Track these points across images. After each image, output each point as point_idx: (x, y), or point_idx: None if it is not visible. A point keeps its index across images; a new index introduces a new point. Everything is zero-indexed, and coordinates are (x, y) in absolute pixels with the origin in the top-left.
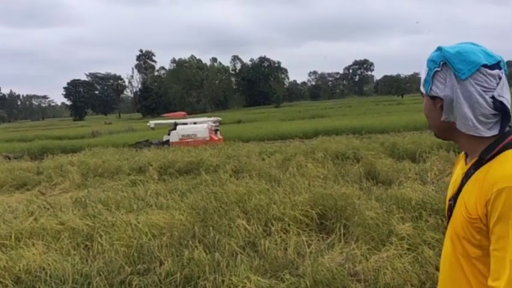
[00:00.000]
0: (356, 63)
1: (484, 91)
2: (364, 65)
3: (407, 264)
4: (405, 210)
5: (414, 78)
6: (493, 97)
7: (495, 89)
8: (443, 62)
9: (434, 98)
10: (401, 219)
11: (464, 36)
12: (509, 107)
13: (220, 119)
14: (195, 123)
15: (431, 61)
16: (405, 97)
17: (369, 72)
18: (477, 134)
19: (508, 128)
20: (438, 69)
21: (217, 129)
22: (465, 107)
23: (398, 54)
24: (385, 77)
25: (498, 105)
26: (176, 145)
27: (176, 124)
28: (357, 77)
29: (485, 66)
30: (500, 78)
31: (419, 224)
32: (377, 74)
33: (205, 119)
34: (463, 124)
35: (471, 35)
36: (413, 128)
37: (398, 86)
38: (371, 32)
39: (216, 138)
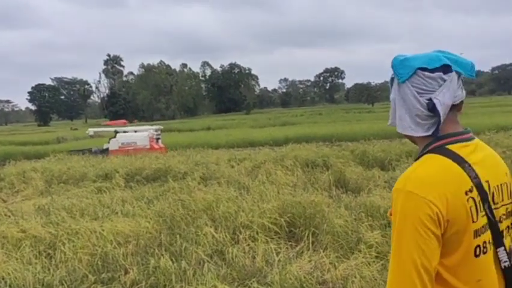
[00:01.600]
0: (326, 70)
1: (418, 93)
2: (335, 72)
3: (376, 272)
4: (374, 218)
5: (384, 87)
6: (430, 99)
7: (434, 91)
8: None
9: None
10: (370, 227)
11: (435, 45)
12: (439, 108)
13: (161, 127)
14: (135, 131)
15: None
16: (376, 105)
17: (340, 80)
18: (413, 134)
19: (463, 130)
20: (393, 76)
21: (159, 138)
22: (402, 109)
23: (369, 63)
24: (356, 85)
25: (430, 107)
26: (116, 153)
27: (116, 132)
28: (328, 84)
29: (423, 69)
30: (444, 80)
31: (388, 232)
32: (348, 82)
33: (147, 127)
34: (401, 125)
35: (442, 44)
36: (383, 136)
37: (368, 94)
38: (342, 40)
39: (156, 146)
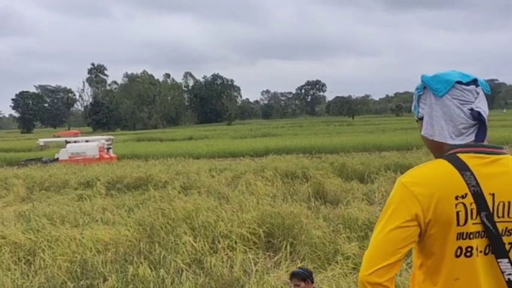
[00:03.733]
0: (308, 83)
1: (461, 104)
2: (316, 85)
3: (352, 283)
4: (351, 229)
5: (364, 100)
6: (471, 109)
7: (473, 102)
8: (424, 86)
9: (422, 119)
10: (347, 238)
11: (415, 60)
12: (485, 116)
13: (113, 137)
14: (86, 141)
15: (416, 89)
16: (356, 118)
17: (321, 93)
18: (451, 142)
19: (485, 144)
20: (421, 93)
21: (110, 148)
22: (442, 120)
23: (350, 76)
24: (337, 98)
25: (476, 115)
26: (66, 163)
27: (67, 142)
28: (310, 97)
29: (459, 82)
30: (478, 93)
31: (365, 244)
32: (329, 95)
33: (98, 137)
34: (441, 134)
35: (422, 59)
36: (363, 149)
37: (349, 107)
38: (324, 53)
39: (106, 156)
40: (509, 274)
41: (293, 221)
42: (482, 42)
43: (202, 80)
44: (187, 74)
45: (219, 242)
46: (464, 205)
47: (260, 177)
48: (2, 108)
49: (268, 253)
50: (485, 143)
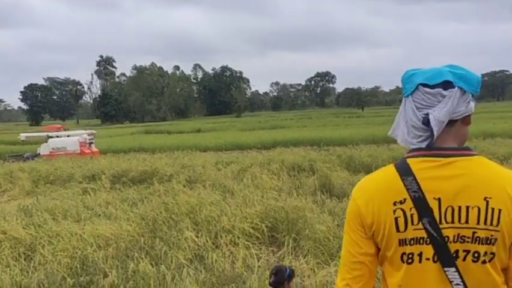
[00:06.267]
0: (318, 75)
1: (417, 107)
2: (326, 77)
3: None
4: None
5: (374, 92)
6: (427, 114)
7: (433, 107)
8: None
9: None
10: None
11: (426, 51)
12: (433, 123)
13: (94, 132)
14: (68, 136)
15: None
16: (366, 110)
17: (331, 85)
18: (408, 146)
19: (445, 146)
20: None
21: (92, 142)
22: (403, 121)
23: (360, 68)
24: (346, 89)
25: (425, 122)
26: (47, 158)
27: (49, 137)
28: (319, 88)
29: (424, 85)
30: (443, 96)
31: None
32: (339, 87)
33: (81, 131)
34: (401, 137)
35: (432, 50)
36: (371, 141)
37: (358, 99)
38: (333, 44)
39: (87, 151)
40: (458, 284)
41: (297, 216)
42: (493, 33)
43: (211, 71)
44: (196, 66)
45: (221, 237)
46: (403, 211)
47: (266, 170)
48: (10, 100)
49: (271, 248)
50: (450, 145)
